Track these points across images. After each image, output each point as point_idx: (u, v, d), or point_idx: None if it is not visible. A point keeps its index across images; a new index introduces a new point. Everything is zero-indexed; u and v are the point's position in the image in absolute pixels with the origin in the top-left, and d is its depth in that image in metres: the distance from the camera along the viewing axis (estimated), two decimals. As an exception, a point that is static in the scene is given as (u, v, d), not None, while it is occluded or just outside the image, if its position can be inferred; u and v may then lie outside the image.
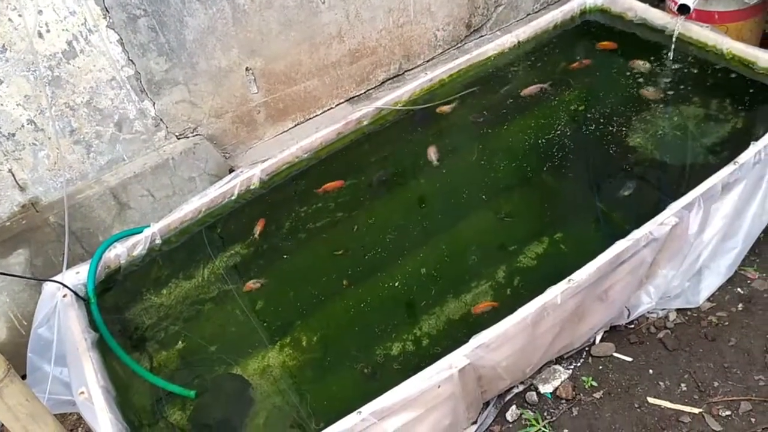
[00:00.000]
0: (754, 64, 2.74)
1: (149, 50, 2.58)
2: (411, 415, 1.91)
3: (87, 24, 2.40)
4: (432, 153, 2.87)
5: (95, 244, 2.64)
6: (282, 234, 2.75)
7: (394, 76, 3.40)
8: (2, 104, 2.35)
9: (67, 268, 2.49)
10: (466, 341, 1.98)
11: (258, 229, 2.73)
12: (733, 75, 2.80)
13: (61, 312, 2.36)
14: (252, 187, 2.81)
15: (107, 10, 2.41)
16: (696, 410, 2.11)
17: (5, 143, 2.42)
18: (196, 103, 2.82)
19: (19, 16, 2.24)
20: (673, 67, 2.92)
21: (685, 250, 2.26)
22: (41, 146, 2.51)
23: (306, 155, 2.92)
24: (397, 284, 2.47)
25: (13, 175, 2.50)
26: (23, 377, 2.41)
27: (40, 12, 2.28)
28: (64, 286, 2.40)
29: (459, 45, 3.52)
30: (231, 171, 2.95)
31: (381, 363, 2.24)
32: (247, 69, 2.88)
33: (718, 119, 2.67)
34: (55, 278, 2.42)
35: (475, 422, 2.18)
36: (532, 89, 3.02)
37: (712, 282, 2.42)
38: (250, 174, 2.79)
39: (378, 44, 3.22)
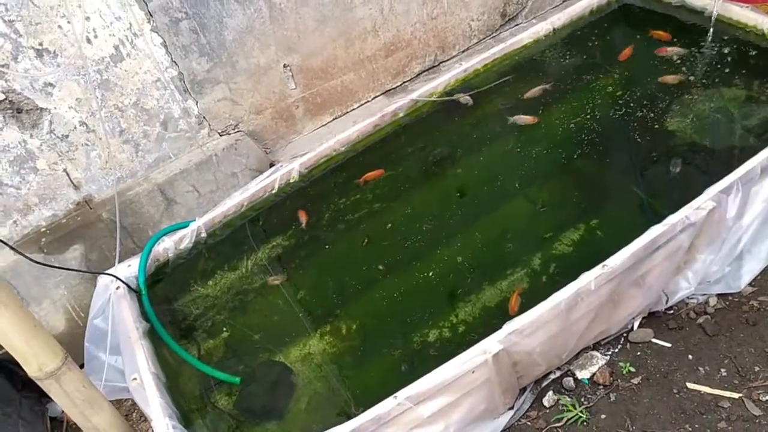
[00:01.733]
0: (797, 44, 2.68)
1: (191, 51, 2.68)
2: (446, 400, 1.96)
3: (132, 28, 2.50)
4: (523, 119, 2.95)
5: (145, 239, 2.76)
6: (321, 225, 2.82)
7: (430, 68, 3.43)
8: (56, 107, 2.48)
9: (120, 261, 2.63)
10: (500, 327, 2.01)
11: (303, 220, 2.81)
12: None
13: (114, 303, 2.49)
14: (292, 180, 2.89)
15: (151, 15, 2.52)
16: (736, 395, 2.09)
17: (60, 144, 2.55)
18: (236, 101, 2.91)
19: (68, 23, 2.35)
20: (711, 49, 2.87)
21: (723, 234, 2.24)
22: (93, 146, 2.64)
23: (343, 148, 2.99)
24: (434, 272, 2.52)
25: (68, 175, 2.64)
26: (81, 366, 2.56)
27: (87, 18, 2.40)
28: (117, 278, 2.53)
29: (494, 34, 3.52)
30: (271, 165, 3.04)
31: (418, 350, 2.30)
32: (284, 66, 2.96)
33: (759, 101, 2.62)
34: (108, 271, 2.56)
35: (512, 408, 2.21)
36: (534, 91, 3.02)
37: (753, 266, 2.39)
38: (289, 168, 2.88)
39: (413, 37, 3.25)
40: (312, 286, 2.65)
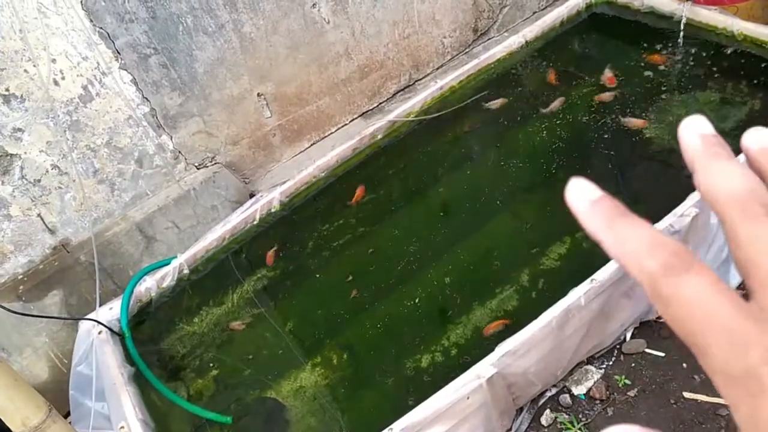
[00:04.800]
0: (766, 44, 2.69)
1: (162, 86, 2.64)
2: (443, 428, 1.92)
3: (100, 67, 2.46)
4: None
5: (126, 279, 2.70)
6: (306, 254, 2.78)
7: (405, 87, 3.42)
8: (26, 152, 2.43)
9: (101, 305, 2.57)
10: (493, 349, 1.98)
11: (270, 260, 2.78)
12: (747, 56, 2.75)
13: (97, 349, 2.43)
14: (273, 210, 2.85)
15: (118, 53, 2.48)
16: (733, 402, 2.07)
17: (32, 189, 2.50)
18: (212, 133, 2.88)
19: (34, 66, 2.31)
20: (682, 54, 2.88)
21: (709, 239, 2.23)
22: (67, 189, 2.59)
23: (323, 174, 2.95)
24: (423, 296, 2.48)
25: (42, 219, 2.58)
26: (67, 414, 2.50)
27: (53, 61, 2.35)
28: (99, 323, 2.47)
29: (467, 50, 3.52)
30: (251, 196, 3.00)
31: (411, 376, 2.26)
32: (258, 95, 2.93)
33: (733, 103, 2.63)
34: (89, 316, 2.49)
35: (509, 429, 2.18)
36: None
37: (741, 269, 2.38)
38: (269, 198, 2.83)
39: (386, 57, 3.24)
40: (300, 316, 2.61)
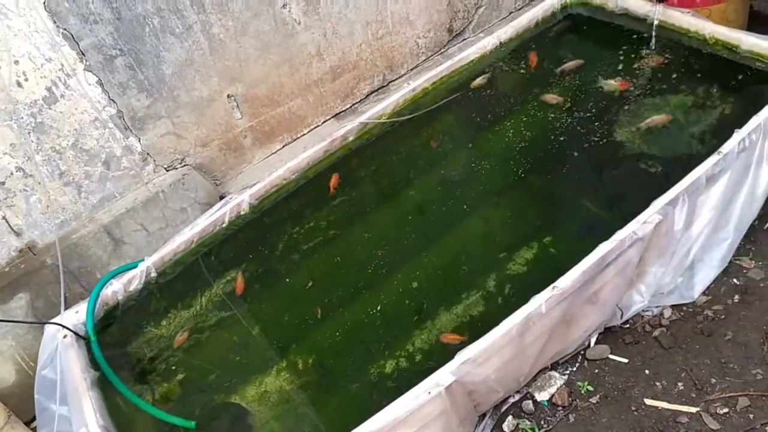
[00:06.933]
0: (737, 48, 2.68)
1: (129, 88, 2.62)
2: (401, 436, 1.92)
3: (64, 69, 2.44)
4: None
5: (94, 282, 2.68)
6: (275, 257, 2.77)
7: (379, 88, 3.40)
8: (-11, 155, 2.41)
9: (67, 308, 2.54)
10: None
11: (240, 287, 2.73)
12: (717, 60, 2.74)
13: (61, 353, 2.41)
14: (242, 212, 2.83)
15: (83, 54, 2.45)
16: (693, 409, 2.08)
17: (-4, 192, 2.48)
18: (181, 135, 2.85)
19: (-4, 68, 2.29)
20: (653, 56, 2.88)
21: (672, 246, 2.23)
22: (32, 191, 2.56)
23: (294, 176, 2.93)
24: (390, 300, 2.48)
25: (8, 222, 2.55)
26: (33, 418, 2.49)
27: (16, 62, 2.32)
28: (63, 327, 2.45)
29: (442, 50, 3.51)
30: (222, 198, 2.98)
31: (375, 382, 2.25)
32: (228, 96, 2.91)
33: (703, 107, 2.63)
34: (54, 320, 2.47)
35: (471, 436, 2.18)
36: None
37: (706, 275, 2.39)
38: (239, 200, 2.81)
39: (359, 58, 3.22)
40: (267, 321, 2.59)
